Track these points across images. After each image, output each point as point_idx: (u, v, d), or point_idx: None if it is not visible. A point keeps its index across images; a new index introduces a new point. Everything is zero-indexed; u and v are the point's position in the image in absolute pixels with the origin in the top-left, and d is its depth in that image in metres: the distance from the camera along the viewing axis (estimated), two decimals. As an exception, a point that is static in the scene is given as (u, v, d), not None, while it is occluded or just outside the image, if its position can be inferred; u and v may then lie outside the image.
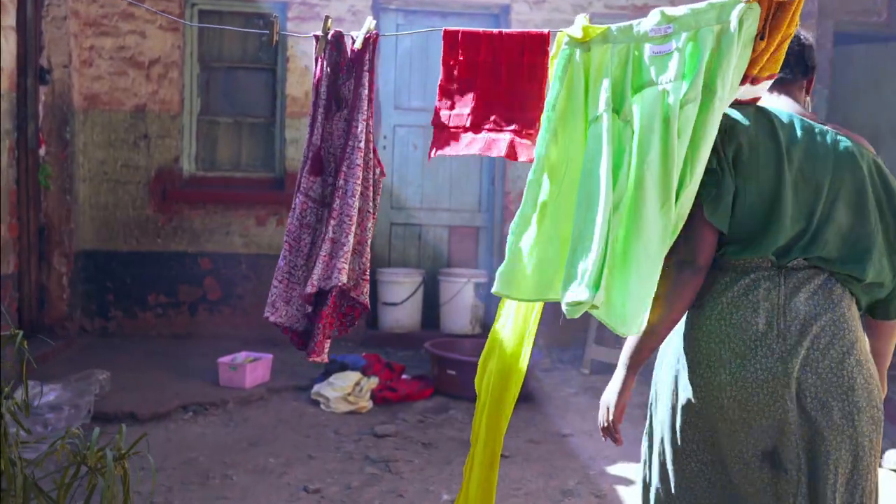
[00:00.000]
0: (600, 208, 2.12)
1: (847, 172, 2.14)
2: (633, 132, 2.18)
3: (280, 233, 7.08)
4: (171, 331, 7.10)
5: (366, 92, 2.52)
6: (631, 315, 2.09)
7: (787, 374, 2.06)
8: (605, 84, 2.20)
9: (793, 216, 2.10)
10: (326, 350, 2.58)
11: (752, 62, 2.09)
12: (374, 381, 5.49)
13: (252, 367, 5.66)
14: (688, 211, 2.09)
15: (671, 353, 2.25)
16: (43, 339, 6.47)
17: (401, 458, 4.51)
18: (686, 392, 2.17)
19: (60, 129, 6.67)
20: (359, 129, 2.52)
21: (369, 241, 2.62)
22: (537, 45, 2.44)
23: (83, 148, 6.95)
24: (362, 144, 2.52)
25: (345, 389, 5.35)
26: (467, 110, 2.49)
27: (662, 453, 2.26)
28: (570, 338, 7.02)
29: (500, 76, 2.47)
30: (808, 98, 2.36)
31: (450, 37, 2.54)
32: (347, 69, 2.56)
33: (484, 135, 2.48)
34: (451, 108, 2.52)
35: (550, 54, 2.42)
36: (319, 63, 2.59)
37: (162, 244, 7.10)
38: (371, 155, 2.58)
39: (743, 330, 2.10)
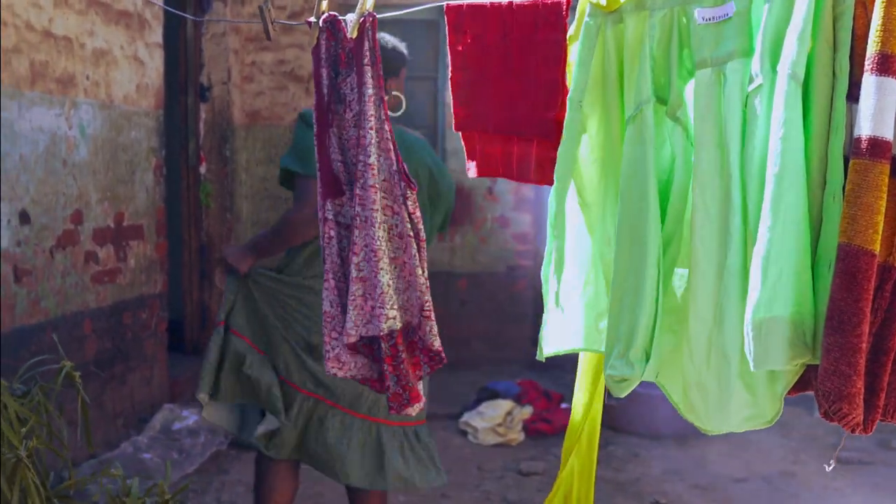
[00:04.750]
0: (649, 246, 1.57)
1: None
2: (687, 134, 1.61)
3: (446, 249, 6.71)
4: (332, 351, 6.86)
5: (370, 91, 2.01)
6: (711, 406, 1.60)
7: None
8: (645, 66, 1.62)
9: None
10: (423, 398, 2.12)
11: (870, 35, 1.42)
12: (527, 411, 4.98)
13: (398, 393, 5.27)
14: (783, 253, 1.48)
15: None
16: (197, 360, 6.40)
17: (542, 501, 3.97)
18: None
19: (220, 147, 6.59)
20: (367, 141, 2.01)
21: (424, 269, 2.11)
22: (553, 16, 1.86)
23: (245, 165, 6.85)
24: (373, 159, 2.01)
25: (494, 420, 4.88)
26: (483, 109, 1.97)
27: None
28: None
29: (511, 60, 1.91)
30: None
31: (454, 14, 2.03)
32: (347, 62, 2.08)
33: (506, 148, 1.96)
34: (468, 107, 2.02)
35: (570, 30, 1.86)
36: (316, 56, 2.13)
37: (324, 261, 6.88)
38: (395, 168, 2.07)
39: None
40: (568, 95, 1.75)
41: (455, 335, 6.71)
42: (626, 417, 4.84)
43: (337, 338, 2.14)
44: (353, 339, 2.05)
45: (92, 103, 4.61)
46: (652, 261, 1.59)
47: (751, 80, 1.50)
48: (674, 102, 1.60)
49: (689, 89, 1.62)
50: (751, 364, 1.48)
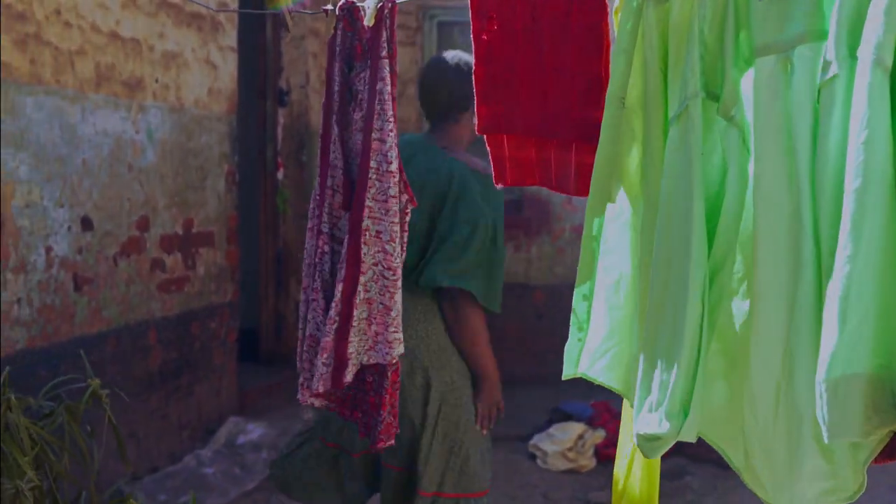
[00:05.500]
0: (692, 277, 1.32)
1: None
2: (743, 138, 1.35)
3: (522, 259, 6.49)
4: (407, 363, 6.70)
5: (388, 88, 1.84)
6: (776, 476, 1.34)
7: None
8: (694, 54, 1.37)
9: None
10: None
11: None
12: (599, 435, 4.71)
13: (467, 411, 5.07)
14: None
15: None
16: (272, 370, 6.30)
17: (609, 536, 3.72)
18: None
19: (297, 152, 6.51)
20: (387, 146, 1.85)
21: None
22: None
23: (323, 171, 6.75)
24: (395, 167, 1.84)
25: (564, 444, 4.63)
26: (512, 108, 1.75)
27: None
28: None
29: (542, 51, 1.68)
30: None
31: None
32: (363, 55, 1.90)
33: (542, 153, 1.73)
34: (494, 105, 1.81)
35: (611, 10, 1.62)
36: (330, 48, 1.95)
37: (400, 271, 6.73)
38: (398, 177, 1.89)
39: None
40: (607, 90, 1.51)
41: (530, 349, 6.48)
42: (704, 444, 4.51)
43: (327, 362, 1.95)
44: (352, 369, 1.88)
45: (161, 107, 4.55)
46: (695, 296, 1.33)
47: (824, 69, 1.23)
48: (728, 98, 1.34)
49: (747, 83, 1.37)
50: (824, 434, 1.20)
